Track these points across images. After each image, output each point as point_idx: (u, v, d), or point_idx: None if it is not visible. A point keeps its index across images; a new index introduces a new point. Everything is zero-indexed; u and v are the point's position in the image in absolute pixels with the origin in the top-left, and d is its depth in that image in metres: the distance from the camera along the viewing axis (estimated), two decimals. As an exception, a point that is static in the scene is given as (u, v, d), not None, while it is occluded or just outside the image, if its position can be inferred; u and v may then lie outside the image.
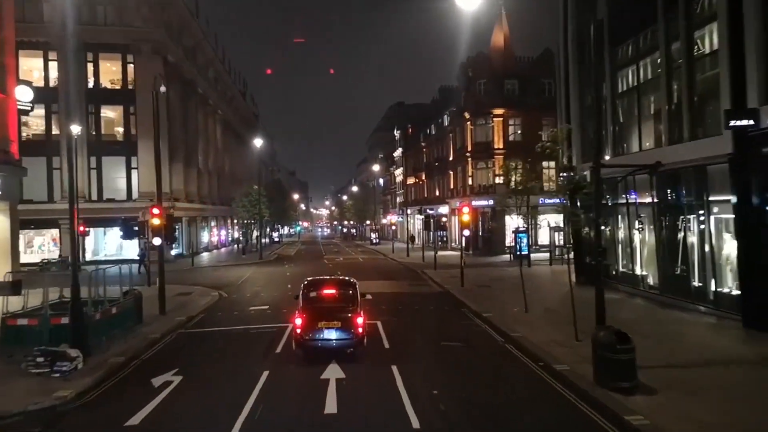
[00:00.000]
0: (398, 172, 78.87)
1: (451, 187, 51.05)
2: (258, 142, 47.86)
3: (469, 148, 45.62)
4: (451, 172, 51.14)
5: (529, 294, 19.40)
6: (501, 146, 44.37)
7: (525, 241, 40.50)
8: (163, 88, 21.68)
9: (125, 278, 16.92)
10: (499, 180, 44.39)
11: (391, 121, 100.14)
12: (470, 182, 45.77)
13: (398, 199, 79.89)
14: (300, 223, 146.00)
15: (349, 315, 12.82)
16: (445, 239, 53.82)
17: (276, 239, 76.55)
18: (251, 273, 33.95)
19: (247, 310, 20.79)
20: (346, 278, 15.29)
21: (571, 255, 34.26)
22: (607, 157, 23.38)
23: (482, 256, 43.83)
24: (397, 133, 77.92)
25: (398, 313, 19.77)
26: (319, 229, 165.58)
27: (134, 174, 43.05)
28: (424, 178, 62.28)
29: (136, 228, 27.46)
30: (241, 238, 53.00)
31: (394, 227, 57.95)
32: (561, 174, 26.82)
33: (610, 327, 10.99)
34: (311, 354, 12.71)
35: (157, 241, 19.18)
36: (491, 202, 44.38)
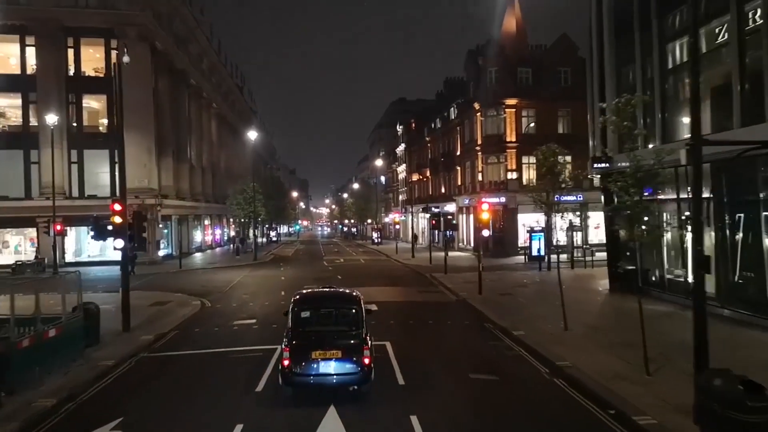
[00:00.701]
0: (401, 169, 75.52)
1: (459, 183, 47.73)
2: (252, 135, 44.48)
3: (479, 142, 42.28)
4: (459, 168, 47.82)
5: (556, 303, 16.18)
6: (513, 139, 41.03)
7: (541, 241, 37.23)
8: (126, 58, 18.32)
9: (106, 282, 13.54)
10: (512, 175, 41.08)
11: (392, 117, 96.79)
12: (480, 178, 42.43)
13: (401, 197, 76.55)
14: (300, 222, 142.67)
15: (353, 341, 9.92)
16: (451, 239, 50.40)
17: (274, 239, 73.24)
18: (242, 277, 30.63)
19: (231, 324, 17.47)
20: (348, 291, 12.00)
21: (588, 257, 31.45)
22: (651, 145, 20.02)
23: (494, 257, 40.46)
24: (399, 129, 74.56)
25: (410, 330, 16.45)
26: (319, 228, 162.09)
27: (118, 168, 39.56)
28: (428, 174, 58.95)
29: (110, 227, 24.05)
30: (235, 238, 49.72)
31: (397, 226, 54.64)
32: (595, 164, 23.49)
33: (727, 372, 7.63)
34: (303, 393, 9.84)
35: (119, 243, 15.86)
36: (503, 199, 41.05)
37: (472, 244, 45.34)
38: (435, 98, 63.64)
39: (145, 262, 37.87)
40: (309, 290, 13.15)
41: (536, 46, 45.42)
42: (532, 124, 41.92)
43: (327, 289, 13.52)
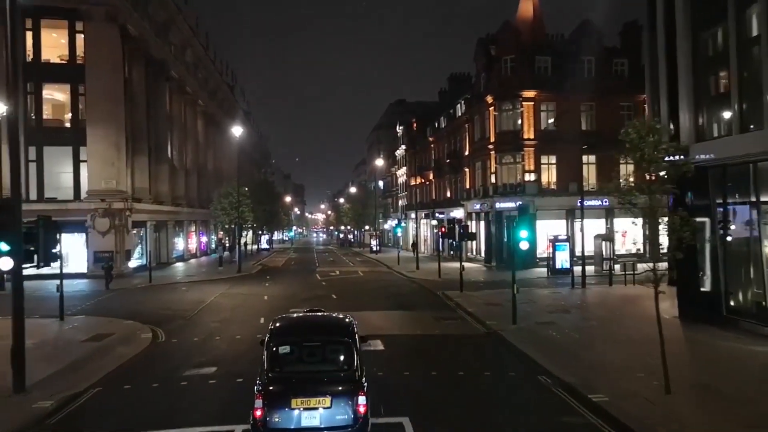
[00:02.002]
0: (401, 172, 70.43)
1: (467, 186, 42.66)
2: (237, 131, 39.28)
3: (492, 139, 37.23)
4: (467, 170, 42.76)
5: (622, 340, 11.28)
6: (531, 136, 36.00)
7: (566, 253, 32.16)
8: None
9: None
10: (530, 177, 36.02)
11: (391, 118, 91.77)
12: (493, 180, 37.33)
13: (401, 202, 71.45)
14: (294, 228, 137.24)
15: (344, 385, 7.79)
16: (455, 248, 45.24)
17: (266, 246, 67.87)
18: (218, 295, 25.38)
19: (180, 376, 12.27)
20: (338, 317, 9.71)
21: (636, 267, 25.90)
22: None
23: (508, 269, 35.29)
24: (399, 129, 69.51)
25: (436, 391, 11.27)
26: (315, 235, 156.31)
27: (83, 168, 34.40)
28: (431, 177, 53.89)
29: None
30: (218, 247, 44.35)
31: (399, 234, 49.35)
32: (666, 157, 18.37)
33: None
34: None
35: (6, 263, 10.58)
36: (519, 203, 35.93)
37: (483, 254, 40.26)
38: (438, 96, 58.70)
39: (113, 275, 32.59)
40: (291, 315, 10.76)
41: (554, 36, 40.49)
42: (552, 120, 36.92)
43: (312, 314, 10.02)
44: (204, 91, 56.96)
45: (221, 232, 54.88)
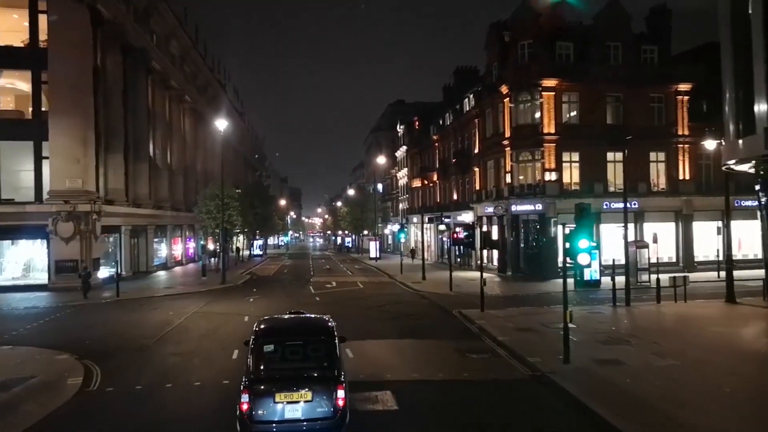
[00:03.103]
0: (401, 174, 66.20)
1: (477, 187, 38.42)
2: (222, 124, 34.81)
3: (507, 135, 33.02)
4: (477, 169, 38.54)
5: (729, 391, 6.73)
6: (552, 131, 31.81)
7: (595, 262, 27.88)
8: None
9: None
10: (550, 176, 31.81)
11: (391, 118, 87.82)
12: (509, 180, 33.09)
13: (401, 206, 67.20)
14: (291, 233, 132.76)
15: (324, 381, 8.23)
16: (466, 254, 41.08)
17: (258, 253, 63.44)
18: (191, 315, 21.04)
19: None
20: (319, 318, 9.99)
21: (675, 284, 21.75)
22: None
23: (526, 279, 31.17)
24: (400, 129, 65.32)
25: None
26: (311, 240, 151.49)
27: (45, 165, 30.09)
28: (436, 179, 49.65)
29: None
30: (202, 254, 39.87)
31: (403, 240, 44.73)
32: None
33: None
34: None
35: None
36: (539, 206, 31.76)
37: (495, 262, 36.00)
38: (442, 92, 54.54)
39: (77, 288, 28.28)
40: (274, 317, 10.74)
41: (575, 21, 36.34)
42: (574, 113, 32.78)
43: (295, 316, 10.55)
44: (192, 87, 52.72)
45: (210, 238, 50.45)
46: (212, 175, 57.56)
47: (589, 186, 32.07)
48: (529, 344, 14.79)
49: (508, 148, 32.98)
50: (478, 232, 22.57)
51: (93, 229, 29.80)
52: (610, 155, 32.66)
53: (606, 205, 32.19)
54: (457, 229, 27.98)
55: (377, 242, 56.05)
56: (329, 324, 9.29)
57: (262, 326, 9.25)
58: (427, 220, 50.67)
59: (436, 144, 49.83)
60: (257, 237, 63.18)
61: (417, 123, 57.87)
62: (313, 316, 10.63)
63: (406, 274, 36.37)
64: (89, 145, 30.32)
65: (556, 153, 31.75)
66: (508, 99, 32.77)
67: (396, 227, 68.88)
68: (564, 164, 32.20)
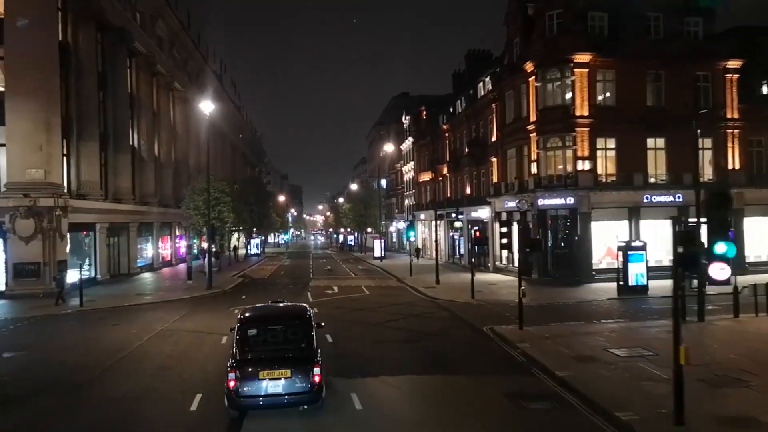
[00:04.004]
0: (407, 168, 61.90)
1: (495, 180, 34.12)
2: (208, 107, 30.24)
3: (533, 119, 28.73)
4: (495, 160, 34.24)
5: None
6: (585, 112, 27.51)
7: (642, 265, 23.69)
8: None
9: None
10: (583, 165, 27.53)
11: (395, 112, 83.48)
12: (534, 170, 28.81)
13: (407, 202, 62.91)
14: (291, 231, 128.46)
15: (301, 360, 9.19)
16: (482, 254, 36.86)
17: (256, 252, 59.14)
18: (157, 333, 16.84)
19: None
20: (297, 306, 11.33)
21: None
22: None
23: (556, 284, 26.91)
24: (406, 120, 60.99)
25: None
26: (312, 238, 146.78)
27: (1, 153, 25.92)
28: (446, 172, 45.34)
29: None
30: (188, 255, 35.54)
31: (412, 239, 40.08)
32: None
33: None
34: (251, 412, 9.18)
35: None
36: (571, 200, 27.49)
37: (516, 263, 31.69)
38: (452, 79, 50.17)
39: (39, 294, 24.22)
40: (257, 306, 11.60)
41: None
42: (609, 93, 28.48)
43: (275, 305, 11.62)
44: (183, 75, 48.47)
45: (204, 237, 46.13)
46: (206, 169, 53.33)
47: (628, 176, 27.76)
48: (604, 385, 10.57)
49: (534, 134, 28.67)
50: (515, 229, 18.19)
51: (58, 226, 25.60)
52: (650, 141, 28.40)
53: (647, 198, 27.94)
54: (467, 226, 23.68)
55: (382, 241, 51.74)
56: (307, 312, 10.17)
57: (246, 314, 10.04)
58: (435, 216, 46.37)
59: (447, 134, 45.50)
60: (254, 235, 58.89)
61: (424, 113, 53.54)
62: (292, 304, 11.81)
63: (417, 277, 32.16)
64: (54, 131, 26.09)
65: (589, 139, 27.44)
66: (533, 78, 28.45)
67: (402, 224, 64.69)
68: (599, 151, 27.90)
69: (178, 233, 45.88)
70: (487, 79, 36.49)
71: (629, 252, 23.26)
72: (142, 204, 38.21)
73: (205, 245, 49.16)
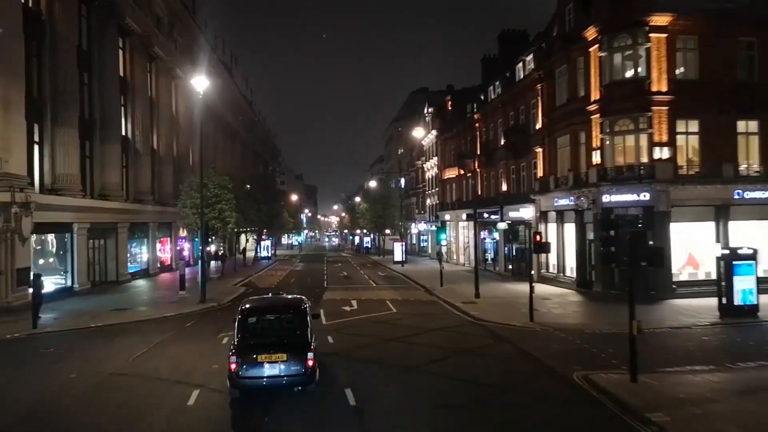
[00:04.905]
0: (429, 165, 56.57)
1: (541, 174, 28.74)
2: (202, 83, 24.81)
3: (596, 96, 23.30)
4: (540, 150, 28.86)
5: None
6: (664, 88, 22.04)
7: (752, 279, 18.17)
8: None
9: None
10: (660, 153, 21.99)
11: (413, 108, 78.43)
12: (596, 159, 23.33)
13: (428, 201, 57.58)
14: (306, 232, 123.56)
15: (297, 346, 9.95)
16: (523, 259, 31.50)
17: (266, 255, 54.08)
18: (103, 380, 11.71)
19: None
20: (294, 297, 12.15)
21: None
22: None
23: (624, 300, 21.32)
24: (428, 113, 55.64)
25: None
26: (327, 240, 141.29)
27: (-50, 139, 21.10)
28: (476, 167, 39.97)
29: None
30: (179, 260, 30.17)
31: (444, 243, 34.15)
32: None
33: None
34: (250, 393, 9.86)
35: None
36: (646, 196, 21.95)
37: (570, 272, 26.29)
38: (481, 65, 44.78)
39: (39, 303, 19.34)
40: (257, 297, 13.16)
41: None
42: (691, 65, 22.91)
43: (275, 297, 13.53)
44: (186, 61, 43.64)
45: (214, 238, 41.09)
46: (215, 166, 48.40)
47: (714, 167, 22.19)
48: None
49: (597, 116, 23.23)
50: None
51: (18, 227, 20.73)
52: (740, 125, 22.81)
53: (737, 194, 22.35)
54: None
55: (403, 244, 46.47)
56: (302, 304, 11.02)
57: (247, 306, 10.91)
58: (465, 217, 41.05)
59: (477, 125, 40.11)
60: (265, 237, 53.96)
61: (450, 103, 48.17)
62: (289, 296, 12.82)
63: (449, 288, 26.92)
64: (14, 110, 21.25)
65: (668, 120, 21.95)
66: (596, 47, 23.03)
67: (424, 226, 59.35)
68: (678, 136, 22.38)
69: (182, 234, 41.00)
70: (529, 57, 31.12)
71: (734, 262, 17.75)
72: (136, 202, 33.45)
73: (210, 248, 44.54)
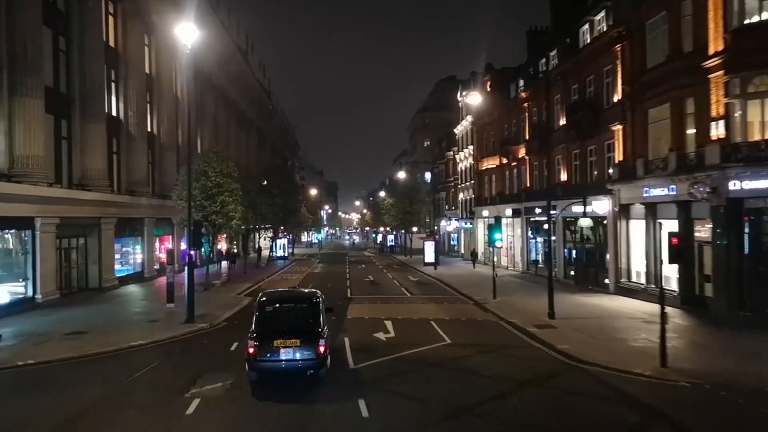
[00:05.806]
0: (462, 155, 50.35)
1: (620, 158, 22.48)
2: (192, 33, 19.17)
3: (717, 47, 16.95)
4: (619, 128, 22.60)
5: None
6: (822, 32, 15.53)
7: None
8: None
9: None
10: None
11: (440, 98, 72.45)
12: (719, 132, 16.99)
13: (461, 196, 51.36)
14: (326, 229, 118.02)
15: (309, 333, 10.74)
16: (590, 264, 25.26)
17: (282, 255, 48.42)
18: None
19: None
20: (308, 291, 13.17)
21: None
22: None
23: (755, 326, 15.08)
24: (460, 97, 49.40)
25: None
26: (348, 237, 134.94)
27: None
28: (522, 154, 33.77)
29: None
30: (168, 265, 24.36)
31: (499, 245, 27.33)
32: None
33: None
34: (266, 377, 10.57)
35: None
36: (796, 181, 15.49)
37: (666, 282, 19.88)
38: (526, 37, 38.47)
39: None
40: (274, 290, 14.43)
41: None
42: None
43: (290, 290, 16.11)
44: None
45: (222, 237, 35.46)
46: (217, 151, 42.82)
47: None
48: None
49: (719, 72, 16.91)
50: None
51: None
52: None
53: None
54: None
55: (435, 243, 40.42)
56: (315, 297, 11.79)
57: (265, 298, 11.75)
58: (510, 212, 34.87)
59: (525, 105, 33.84)
60: (281, 234, 48.38)
61: (489, 83, 41.91)
62: (304, 290, 14.72)
63: (505, 301, 20.95)
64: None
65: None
66: (718, -20, 16.68)
67: (456, 223, 53.14)
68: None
69: (180, 233, 35.55)
70: (599, 16, 24.85)
71: None
72: (127, 193, 28.10)
73: (221, 246, 38.96)
